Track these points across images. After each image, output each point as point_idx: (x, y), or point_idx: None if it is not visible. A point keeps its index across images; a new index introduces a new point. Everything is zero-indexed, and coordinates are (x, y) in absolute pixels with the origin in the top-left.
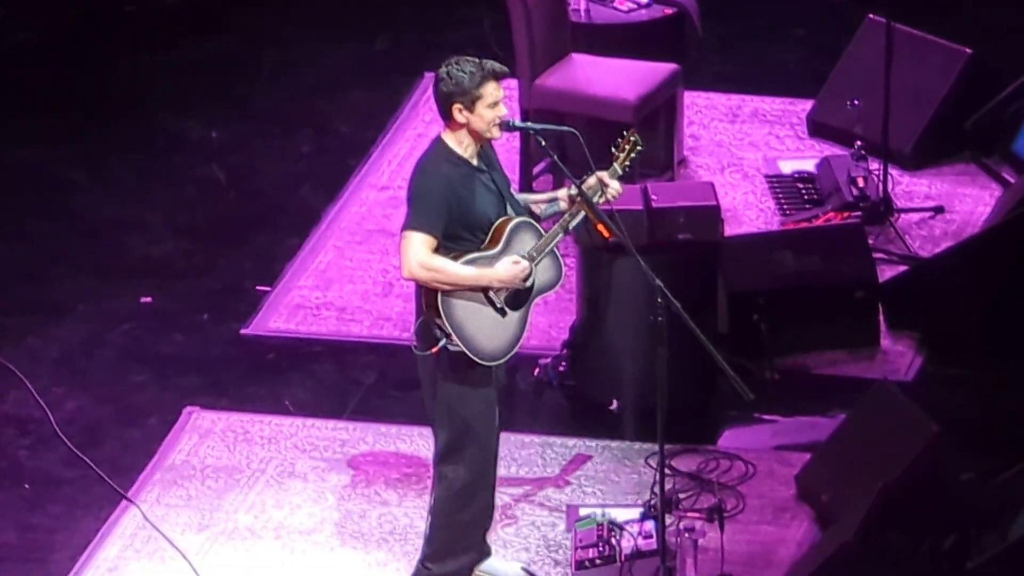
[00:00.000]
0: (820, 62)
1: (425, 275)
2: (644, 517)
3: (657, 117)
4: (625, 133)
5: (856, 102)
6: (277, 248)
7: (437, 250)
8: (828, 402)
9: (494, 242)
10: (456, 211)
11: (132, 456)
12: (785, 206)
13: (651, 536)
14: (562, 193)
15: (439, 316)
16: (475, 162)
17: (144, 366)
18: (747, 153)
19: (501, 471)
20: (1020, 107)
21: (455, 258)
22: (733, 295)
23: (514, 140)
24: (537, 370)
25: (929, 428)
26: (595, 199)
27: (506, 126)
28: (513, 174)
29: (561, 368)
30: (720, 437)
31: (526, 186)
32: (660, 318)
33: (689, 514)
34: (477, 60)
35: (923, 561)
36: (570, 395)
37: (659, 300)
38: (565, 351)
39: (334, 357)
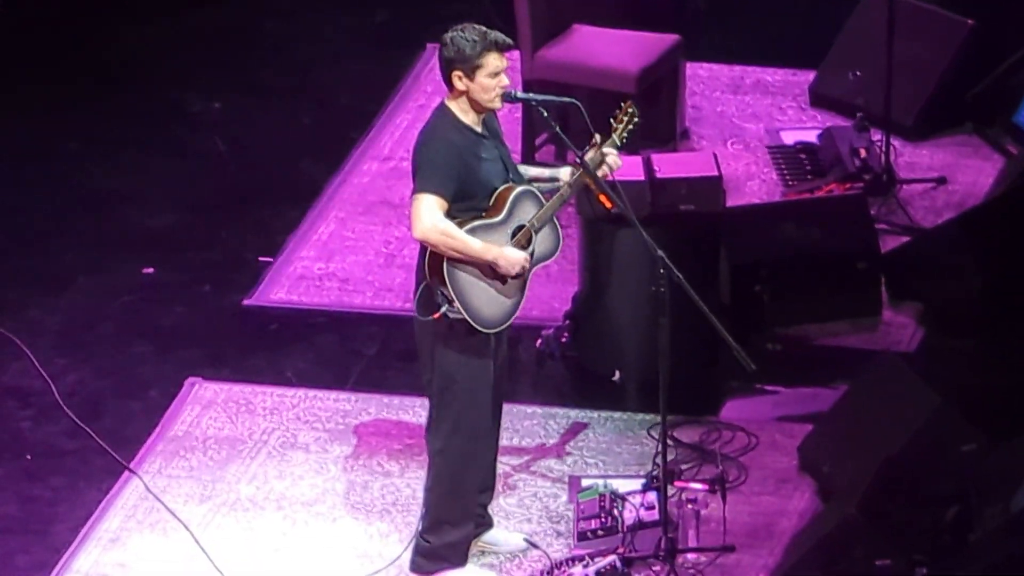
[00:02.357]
0: (822, 33)
1: (437, 238)
2: (646, 488)
3: (659, 88)
4: (623, 105)
5: (858, 73)
6: (279, 219)
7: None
8: (830, 373)
9: (496, 210)
10: (463, 177)
11: (134, 427)
12: (787, 177)
13: (653, 507)
14: (564, 172)
15: (443, 282)
16: (479, 129)
17: (146, 338)
18: (749, 124)
19: (503, 441)
20: (1022, 78)
21: (459, 225)
22: (735, 266)
23: (516, 111)
24: (539, 341)
25: (931, 400)
26: (595, 172)
27: (508, 97)
28: (515, 145)
29: (563, 339)
30: (722, 408)
31: (528, 158)
32: (662, 289)
33: (691, 485)
34: (483, 29)
35: (925, 533)
36: (572, 366)
37: (661, 271)
38: (567, 322)
39: (336, 328)
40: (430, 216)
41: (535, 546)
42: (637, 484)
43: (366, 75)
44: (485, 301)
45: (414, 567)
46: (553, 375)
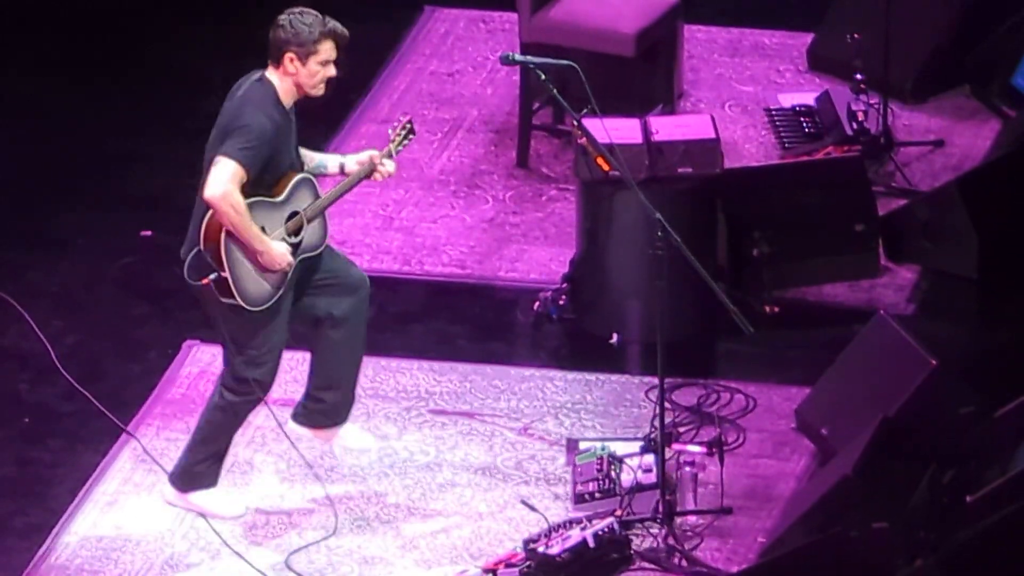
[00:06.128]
0: None
1: (226, 208)
2: (644, 450)
3: (657, 51)
4: (401, 118)
5: (856, 35)
6: None
7: None
8: (828, 335)
9: (279, 191)
10: (270, 156)
11: (132, 390)
12: (785, 140)
13: (651, 470)
14: (332, 160)
15: (218, 249)
16: (290, 114)
17: (144, 300)
18: (747, 87)
19: (501, 404)
20: (1020, 41)
21: (245, 197)
22: (733, 228)
23: (514, 75)
24: (537, 304)
25: (927, 362)
26: (367, 177)
27: (506, 60)
28: (512, 108)
29: (561, 302)
30: (720, 371)
31: (525, 122)
32: (660, 251)
33: (689, 448)
34: (321, 17)
35: (923, 495)
36: (570, 329)
37: (659, 233)
38: (565, 285)
39: None
40: (227, 184)
41: (533, 508)
42: (635, 447)
43: (364, 37)
44: (253, 278)
45: (172, 481)
46: (551, 338)
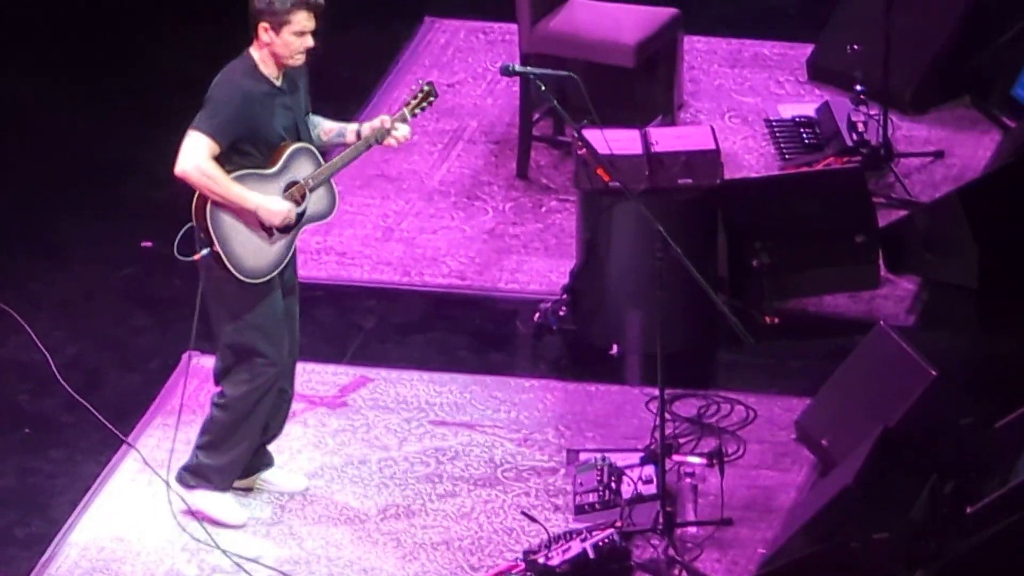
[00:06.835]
0: (820, 5)
1: (197, 178)
2: (644, 462)
3: (657, 62)
4: (420, 81)
5: (856, 46)
6: None
7: (219, 158)
8: (828, 346)
9: (272, 163)
10: (249, 127)
11: (132, 400)
12: (785, 151)
13: (651, 481)
14: (351, 128)
15: (206, 224)
16: (278, 83)
17: (144, 310)
18: (747, 98)
19: (501, 415)
20: (1020, 52)
21: (230, 172)
22: (733, 239)
23: (514, 85)
24: (537, 315)
25: (928, 373)
26: (378, 142)
27: (505, 71)
28: (513, 118)
29: (561, 313)
30: (720, 381)
31: (525, 132)
32: (660, 261)
33: (689, 459)
34: None
35: (923, 505)
36: (570, 340)
37: (659, 244)
38: (565, 296)
39: (334, 302)
40: (196, 155)
41: (533, 519)
42: (635, 458)
43: (365, 47)
44: (249, 250)
45: (177, 477)
46: (551, 348)
